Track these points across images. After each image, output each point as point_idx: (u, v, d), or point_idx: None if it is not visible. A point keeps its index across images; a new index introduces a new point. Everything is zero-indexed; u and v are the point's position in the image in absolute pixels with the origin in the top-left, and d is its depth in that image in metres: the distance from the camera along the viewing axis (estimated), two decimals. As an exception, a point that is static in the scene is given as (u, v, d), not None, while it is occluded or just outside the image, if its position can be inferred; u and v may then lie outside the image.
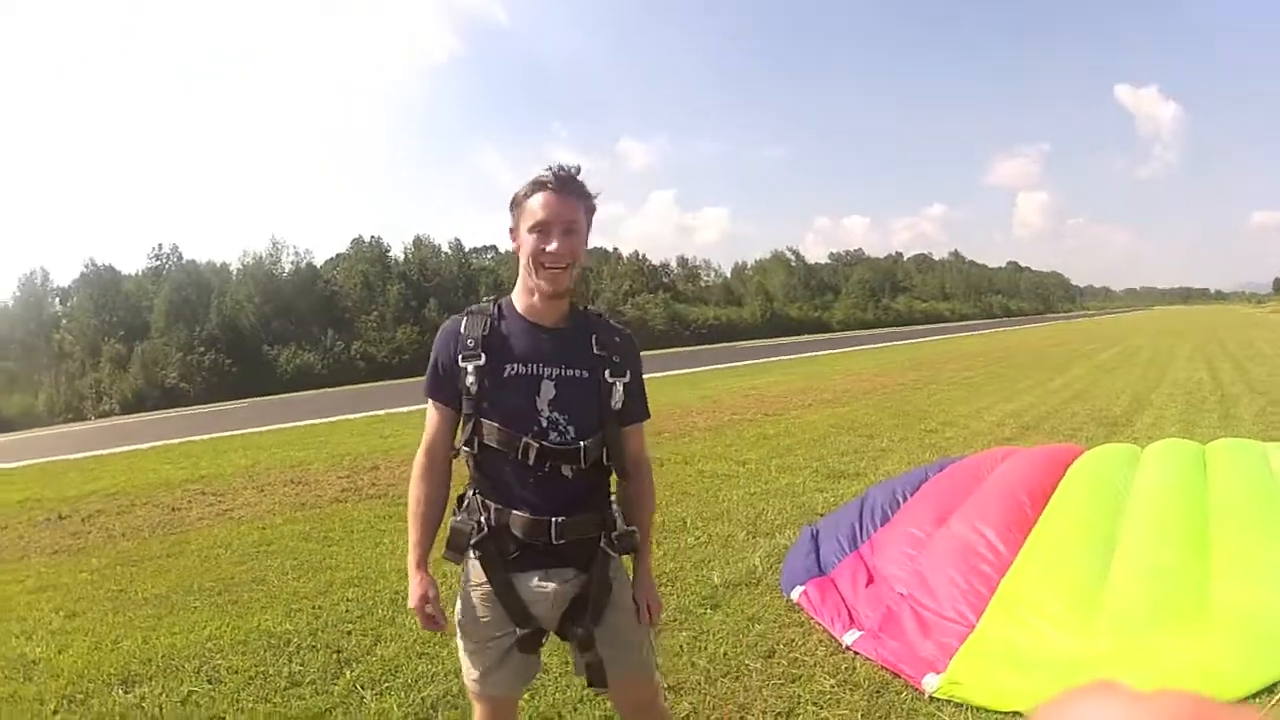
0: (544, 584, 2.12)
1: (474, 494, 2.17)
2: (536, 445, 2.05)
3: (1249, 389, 13.40)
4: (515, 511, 2.08)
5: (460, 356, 2.11)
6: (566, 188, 2.09)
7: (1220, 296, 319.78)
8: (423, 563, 2.23)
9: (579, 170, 2.13)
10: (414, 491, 2.23)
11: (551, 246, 2.05)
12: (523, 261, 2.12)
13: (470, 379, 2.09)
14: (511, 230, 2.17)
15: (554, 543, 2.08)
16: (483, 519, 2.12)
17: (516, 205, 2.14)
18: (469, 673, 2.22)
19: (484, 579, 2.15)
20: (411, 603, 2.22)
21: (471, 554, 2.15)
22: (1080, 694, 0.43)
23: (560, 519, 2.07)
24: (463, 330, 2.14)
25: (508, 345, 2.11)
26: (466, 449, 2.14)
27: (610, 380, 2.14)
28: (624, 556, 2.26)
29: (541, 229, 2.07)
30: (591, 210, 2.18)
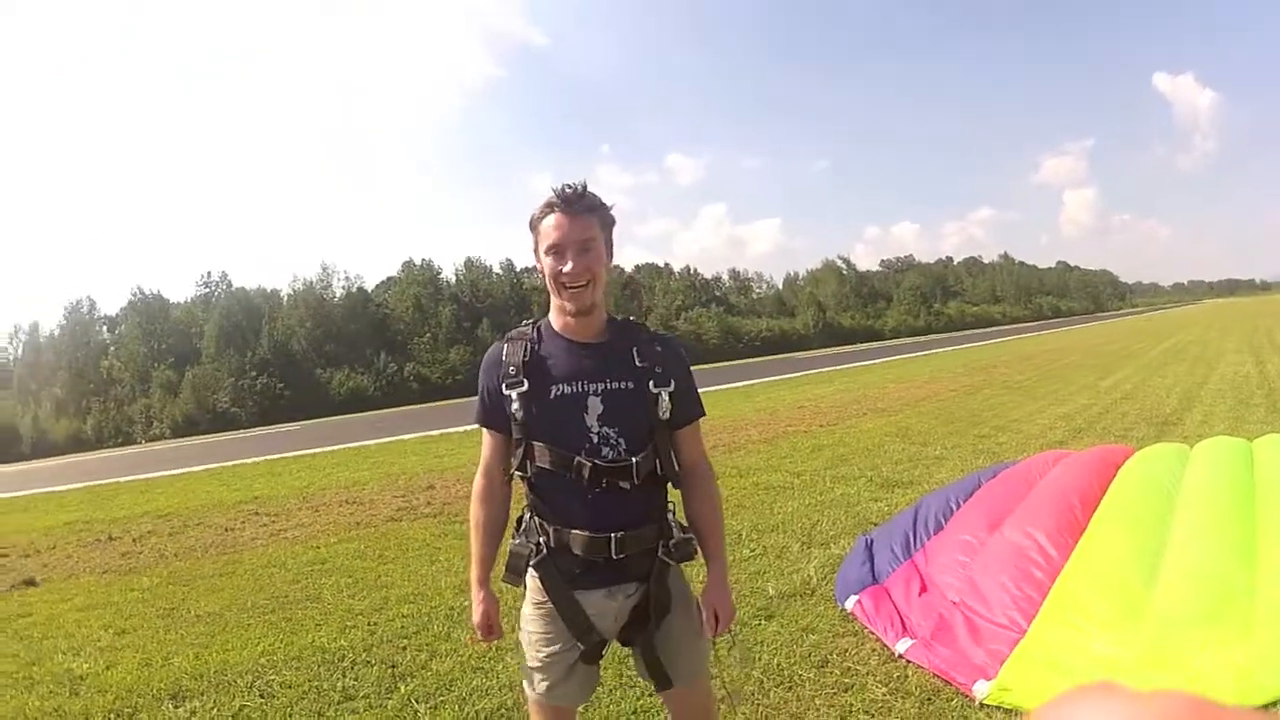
0: (608, 600, 2.14)
1: (531, 516, 2.19)
2: (589, 463, 2.06)
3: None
4: (575, 530, 2.09)
5: (504, 384, 2.13)
6: (575, 205, 2.10)
7: (1265, 287, 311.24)
8: (485, 580, 2.26)
9: (585, 186, 2.13)
10: (474, 513, 2.26)
11: (567, 267, 2.07)
12: (547, 283, 2.14)
13: (516, 405, 2.11)
14: (534, 253, 2.19)
15: (615, 558, 2.09)
16: (541, 540, 2.13)
17: (533, 228, 2.16)
18: (535, 686, 2.21)
19: (544, 597, 2.16)
20: (474, 619, 2.26)
21: (531, 573, 2.17)
22: (1079, 694, 0.43)
23: (620, 534, 2.08)
24: (504, 357, 2.16)
25: (550, 367, 2.13)
26: (520, 473, 2.15)
27: (655, 391, 2.14)
28: (685, 564, 2.26)
29: (556, 250, 2.09)
30: (608, 223, 2.18)
